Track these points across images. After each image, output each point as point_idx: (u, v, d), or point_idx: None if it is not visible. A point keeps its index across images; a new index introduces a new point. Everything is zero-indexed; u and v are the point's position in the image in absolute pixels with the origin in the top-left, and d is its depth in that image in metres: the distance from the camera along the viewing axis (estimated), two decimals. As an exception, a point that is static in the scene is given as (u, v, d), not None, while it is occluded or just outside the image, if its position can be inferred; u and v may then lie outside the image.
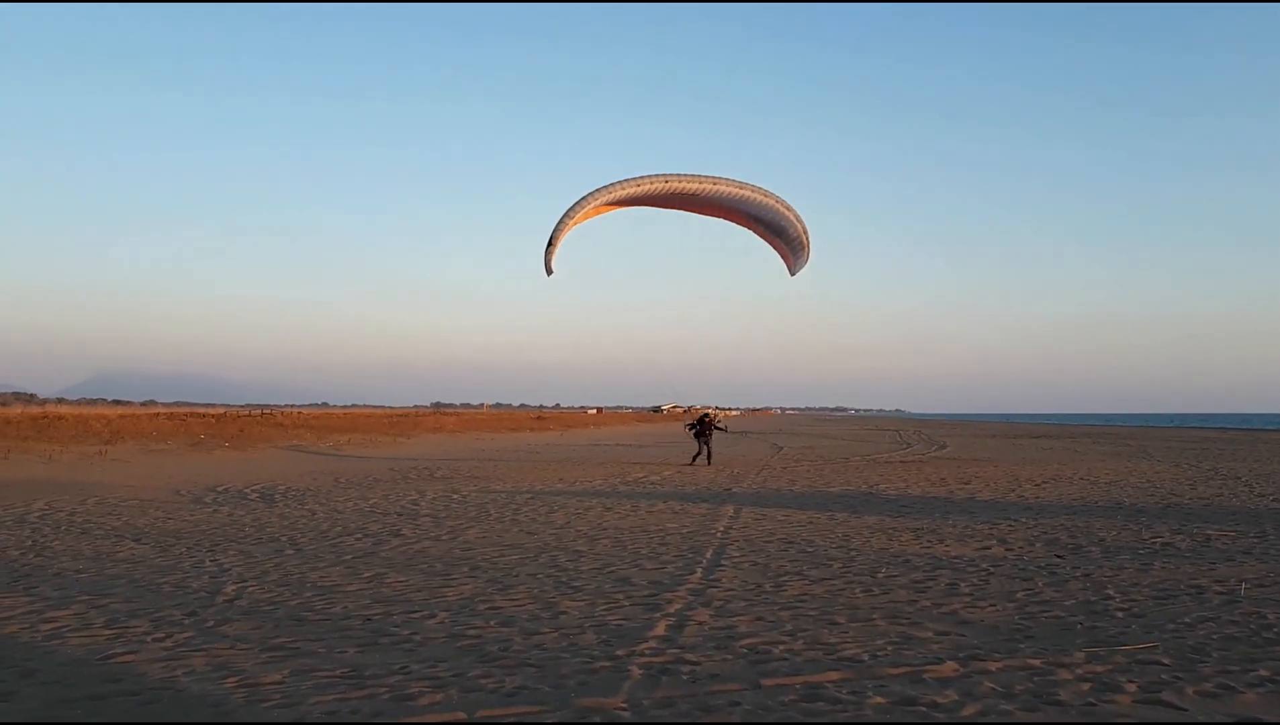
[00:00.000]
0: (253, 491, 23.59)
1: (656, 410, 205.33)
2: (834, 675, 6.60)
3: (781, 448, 46.43)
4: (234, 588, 10.60)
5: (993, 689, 6.24)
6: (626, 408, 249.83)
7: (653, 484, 24.08)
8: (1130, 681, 6.39)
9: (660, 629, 8.09)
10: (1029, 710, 5.80)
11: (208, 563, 12.51)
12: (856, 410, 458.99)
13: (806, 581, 10.40)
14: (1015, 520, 16.19)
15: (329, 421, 69.19)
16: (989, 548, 13.12)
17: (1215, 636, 7.72)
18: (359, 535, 15.01)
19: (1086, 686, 6.29)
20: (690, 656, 7.17)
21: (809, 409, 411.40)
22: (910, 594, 9.72)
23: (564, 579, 10.66)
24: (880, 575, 10.78)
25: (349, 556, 12.83)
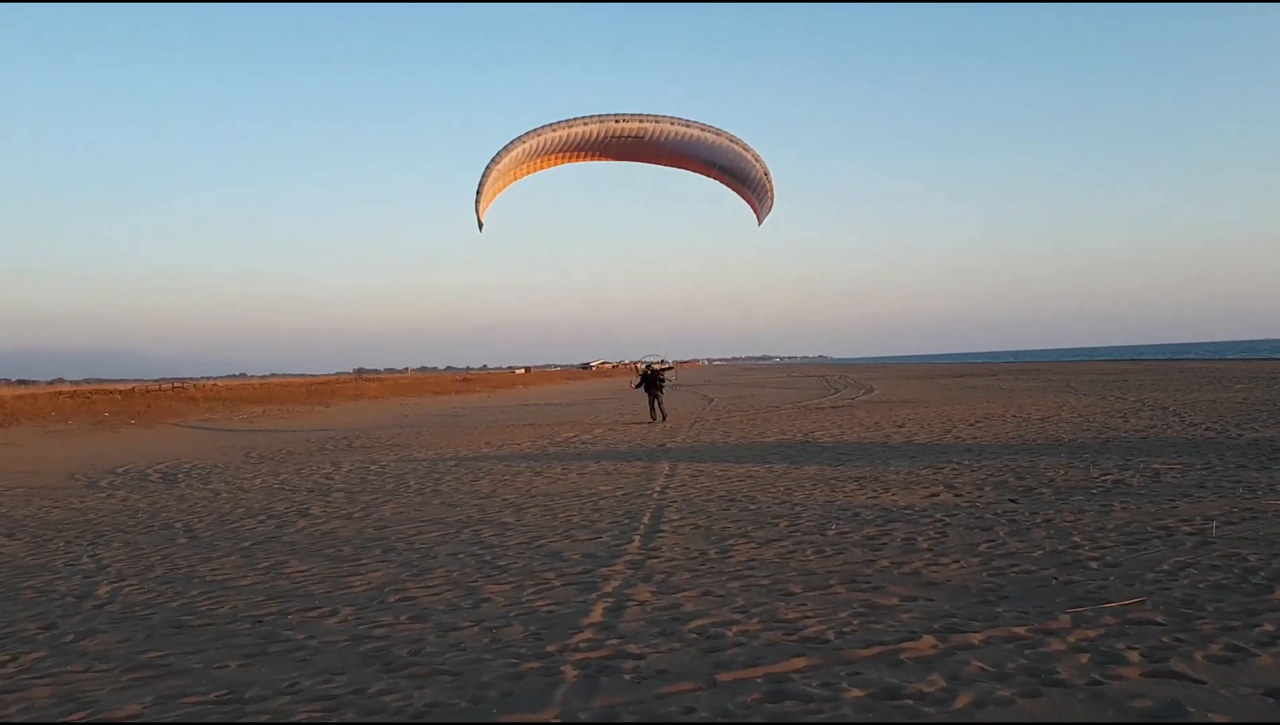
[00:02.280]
0: (155, 472, 21.88)
1: (585, 367, 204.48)
2: (799, 662, 5.72)
3: (712, 399, 45.89)
4: (108, 588, 9.27)
5: (982, 669, 5.43)
6: (555, 366, 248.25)
7: (584, 444, 23.08)
8: (1130, 648, 5.66)
9: (597, 614, 7.11)
10: (1030, 696, 5.00)
11: (85, 559, 11.11)
12: (781, 358, 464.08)
13: (753, 544, 9.54)
14: (958, 463, 15.69)
15: (243, 393, 66.24)
16: (937, 494, 12.50)
17: (1202, 585, 7.09)
18: (262, 517, 13.69)
19: (1084, 658, 5.53)
20: (632, 648, 6.21)
21: (735, 359, 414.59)
22: (866, 553, 8.94)
23: (488, 558, 9.60)
24: (830, 532, 9.99)
25: (247, 543, 11.55)
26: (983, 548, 8.94)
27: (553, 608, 7.39)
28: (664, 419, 29.05)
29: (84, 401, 56.27)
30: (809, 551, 9.06)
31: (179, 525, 13.41)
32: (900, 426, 23.76)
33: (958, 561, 8.41)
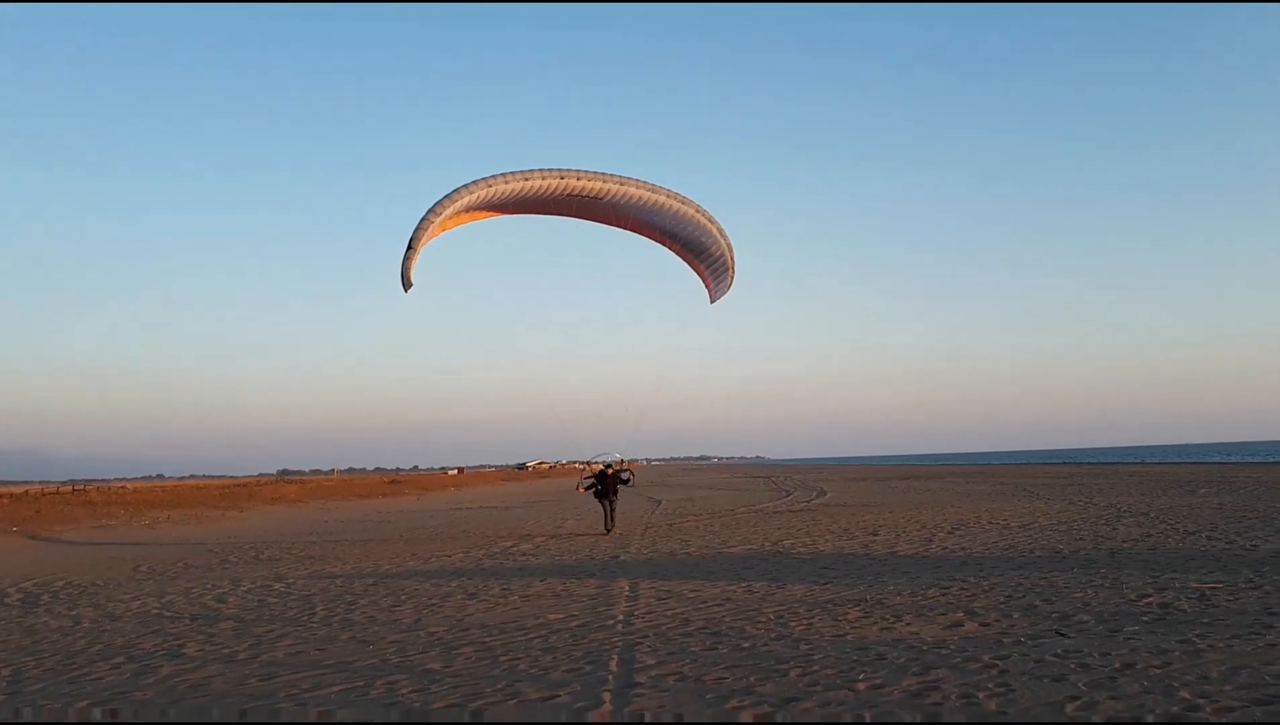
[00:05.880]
0: (18, 591, 18.48)
1: (521, 467, 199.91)
2: None
3: (660, 502, 43.38)
4: None
5: None
6: (490, 466, 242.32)
7: (525, 556, 20.40)
8: None
9: (568, 851, 4.65)
10: None
11: None
12: (720, 458, 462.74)
13: (767, 706, 7.16)
14: (963, 581, 13.59)
15: (149, 496, 61.31)
16: (961, 624, 10.33)
17: None
18: (120, 659, 10.79)
19: None
20: None
21: (674, 459, 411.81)
22: (921, 719, 6.65)
23: (405, 731, 7.02)
24: (860, 685, 7.68)
25: (84, 701, 8.72)
26: (1070, 709, 6.74)
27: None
28: (610, 525, 25.37)
29: (-37, 507, 51.10)
30: (846, 717, 6.72)
31: (6, 672, 10.44)
32: (874, 534, 21.67)
33: (1052, 735, 6.19)
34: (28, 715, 7.87)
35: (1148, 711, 6.60)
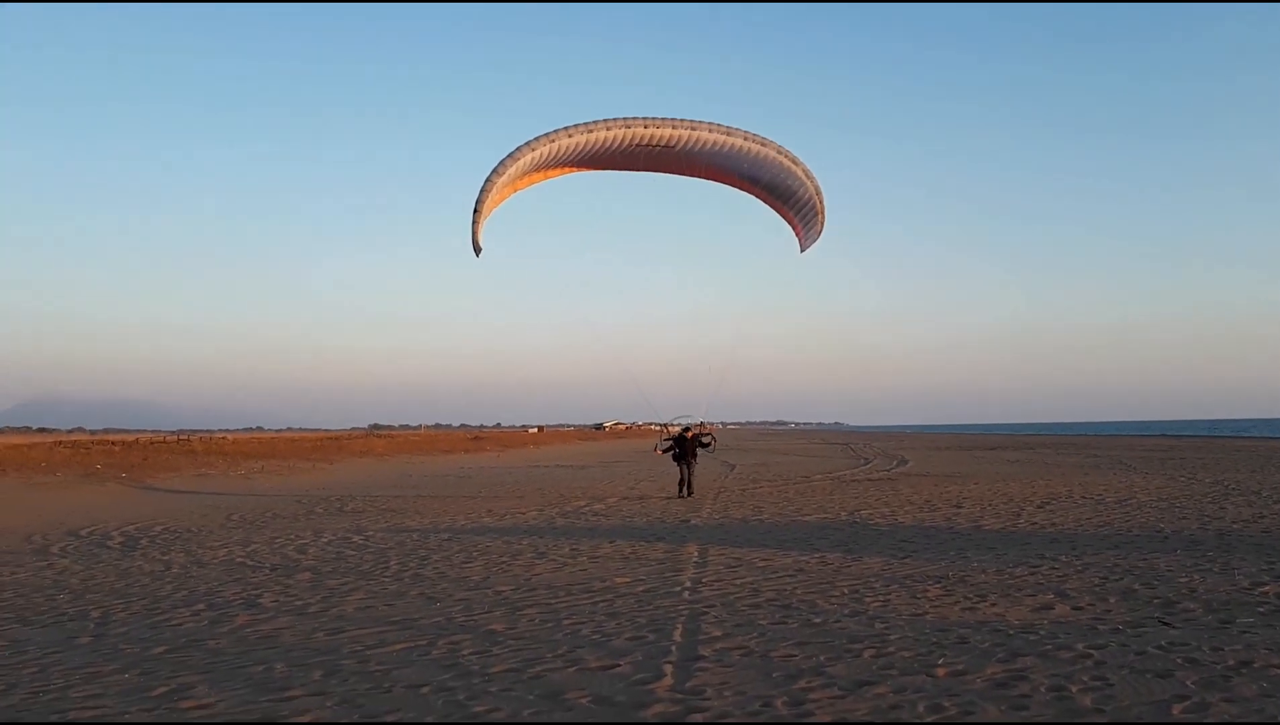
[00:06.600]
0: (120, 534, 19.30)
1: (599, 428, 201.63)
2: None
3: (734, 466, 42.97)
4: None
5: None
6: (568, 426, 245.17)
7: (596, 516, 20.31)
8: None
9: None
10: None
11: (-59, 667, 8.46)
12: (797, 423, 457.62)
13: (836, 690, 6.77)
14: (1054, 559, 12.86)
15: (246, 447, 63.74)
16: (1051, 606, 9.71)
17: None
18: (200, 606, 11.04)
19: None
20: None
21: (749, 423, 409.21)
22: (1007, 711, 6.18)
23: (461, 695, 6.88)
24: (940, 671, 7.22)
25: (161, 647, 8.88)
26: (1176, 710, 6.16)
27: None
28: (689, 490, 24.83)
29: (78, 452, 53.88)
30: (921, 707, 6.29)
31: (96, 614, 10.78)
32: (958, 507, 20.88)
33: (1153, 737, 5.64)
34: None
35: (1269, 717, 5.98)
